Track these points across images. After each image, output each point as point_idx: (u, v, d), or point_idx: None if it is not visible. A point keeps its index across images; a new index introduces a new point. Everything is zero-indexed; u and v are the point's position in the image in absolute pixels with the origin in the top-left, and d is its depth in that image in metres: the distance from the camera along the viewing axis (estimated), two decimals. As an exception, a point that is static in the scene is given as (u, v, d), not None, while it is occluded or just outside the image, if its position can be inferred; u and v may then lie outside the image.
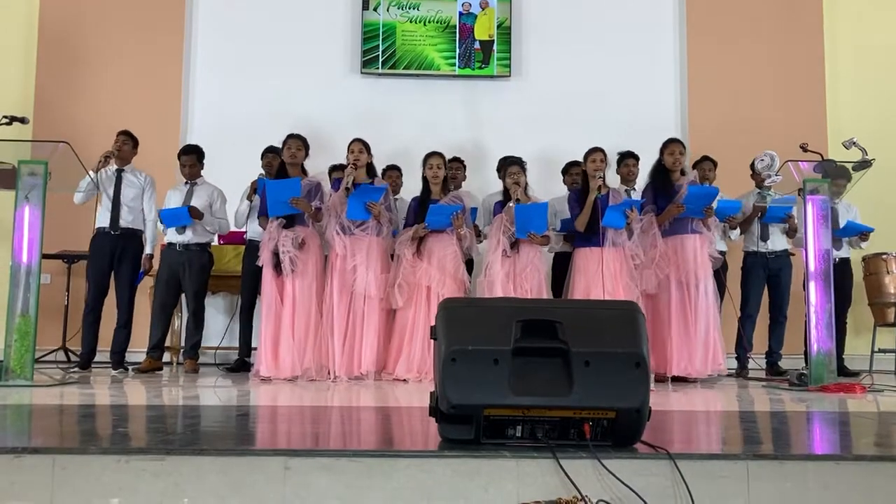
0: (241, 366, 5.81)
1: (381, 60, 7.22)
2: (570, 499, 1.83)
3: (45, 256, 4.63)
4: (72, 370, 5.47)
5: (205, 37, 7.26)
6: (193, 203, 5.74)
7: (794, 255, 6.02)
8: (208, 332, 6.14)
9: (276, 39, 7.20)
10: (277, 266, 5.15)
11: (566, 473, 1.84)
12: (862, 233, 6.04)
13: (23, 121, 4.50)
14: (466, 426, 1.96)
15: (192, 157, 5.89)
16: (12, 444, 1.95)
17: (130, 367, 5.64)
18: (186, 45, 7.21)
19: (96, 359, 5.70)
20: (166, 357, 6.06)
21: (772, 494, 1.88)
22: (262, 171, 6.02)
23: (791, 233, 5.91)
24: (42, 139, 5.15)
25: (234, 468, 1.87)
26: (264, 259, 5.23)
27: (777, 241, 5.95)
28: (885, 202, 6.77)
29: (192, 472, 1.87)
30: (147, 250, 5.77)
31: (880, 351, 6.58)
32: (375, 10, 7.25)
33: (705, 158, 6.02)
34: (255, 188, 5.83)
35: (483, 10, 7.29)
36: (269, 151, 6.06)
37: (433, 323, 5.04)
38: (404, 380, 4.96)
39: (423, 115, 7.06)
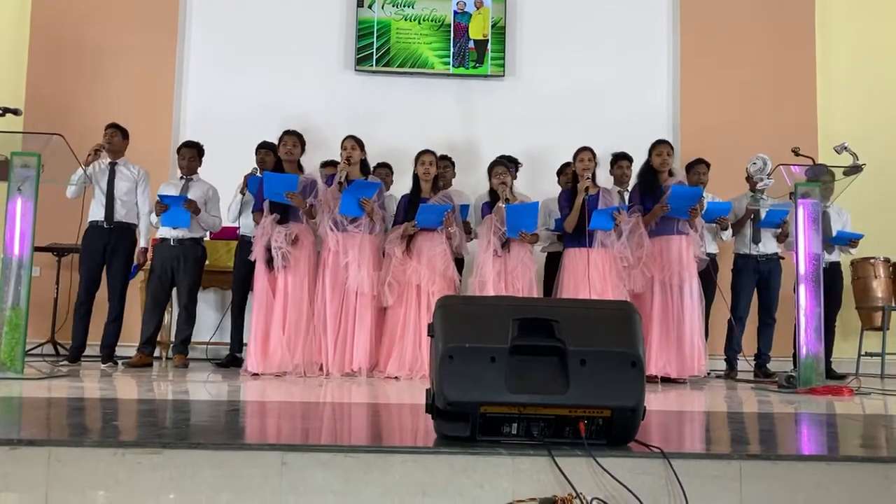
0: (231, 361, 5.81)
1: (375, 58, 7.22)
2: (564, 496, 1.84)
3: (35, 249, 4.60)
4: (61, 363, 5.44)
5: (199, 31, 7.24)
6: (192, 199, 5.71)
7: (783, 258, 6.07)
8: (199, 327, 6.12)
9: (270, 35, 7.19)
10: (270, 261, 5.15)
11: (561, 471, 1.85)
12: (852, 240, 6.09)
13: (16, 112, 4.48)
14: (463, 423, 1.97)
15: (192, 151, 5.88)
16: (5, 436, 1.94)
17: (120, 362, 5.62)
18: (180, 39, 7.19)
19: (85, 353, 5.68)
20: (156, 352, 6.04)
21: (764, 494, 1.90)
22: (256, 167, 6.01)
23: (782, 237, 5.96)
24: (33, 131, 5.12)
25: (230, 462, 1.87)
26: (257, 254, 5.22)
27: (768, 245, 5.99)
28: (874, 206, 6.82)
29: (189, 466, 1.87)
30: (141, 244, 5.74)
31: (867, 354, 6.64)
32: (370, 7, 7.25)
33: (699, 161, 6.05)
34: (247, 184, 5.82)
35: (478, 9, 7.30)
36: (263, 147, 6.05)
37: (423, 320, 5.12)
38: (396, 377, 4.97)
39: (417, 114, 7.07)
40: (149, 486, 1.85)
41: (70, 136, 4.63)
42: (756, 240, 5.94)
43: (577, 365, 1.96)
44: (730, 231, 5.95)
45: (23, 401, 3.16)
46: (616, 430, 1.98)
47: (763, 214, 5.85)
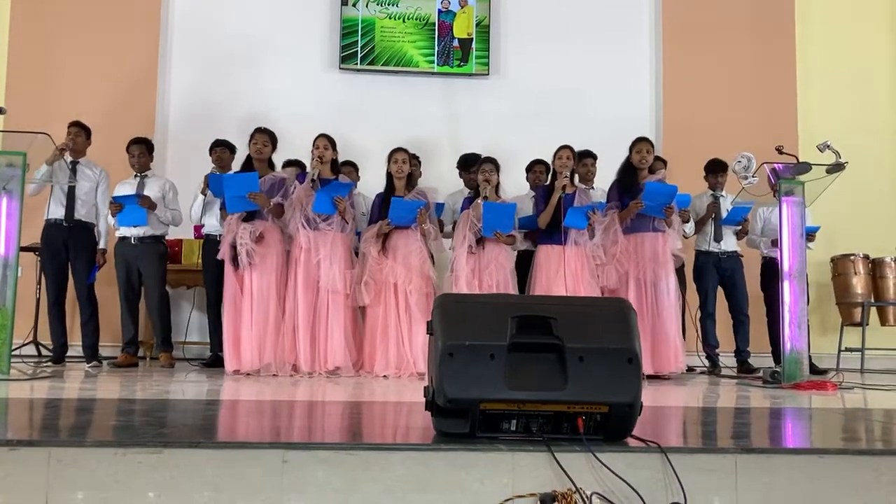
0: (215, 361, 5.78)
1: (359, 56, 7.22)
2: (564, 491, 1.86)
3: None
4: (45, 364, 5.40)
5: (181, 29, 7.19)
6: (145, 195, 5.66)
7: (743, 256, 6.15)
8: (188, 326, 6.10)
9: (254, 33, 7.17)
10: (235, 259, 5.12)
11: (561, 466, 1.87)
12: (809, 234, 6.12)
13: (1, 111, 4.44)
14: (462, 420, 1.98)
15: (141, 147, 5.85)
16: (4, 436, 1.93)
17: (105, 361, 5.59)
18: (162, 38, 7.14)
19: (70, 353, 5.64)
20: (140, 352, 6.00)
21: (759, 487, 1.93)
22: (214, 166, 5.99)
23: (741, 234, 6.04)
24: (14, 129, 5.05)
25: (231, 461, 1.87)
26: (223, 252, 5.20)
27: (729, 242, 6.07)
28: (852, 204, 6.91)
29: (189, 465, 1.87)
30: (100, 245, 5.72)
31: (847, 350, 6.72)
32: (354, 5, 7.24)
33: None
34: (208, 183, 5.80)
35: (462, 8, 7.32)
36: (218, 145, 6.05)
37: (403, 319, 5.12)
38: (384, 376, 4.97)
39: (402, 112, 7.08)
40: (150, 486, 1.85)
41: (51, 133, 4.59)
42: (717, 237, 6.00)
43: (574, 361, 1.97)
44: (691, 224, 5.99)
45: (12, 402, 3.14)
46: (613, 426, 2.01)
47: (724, 212, 5.92)
